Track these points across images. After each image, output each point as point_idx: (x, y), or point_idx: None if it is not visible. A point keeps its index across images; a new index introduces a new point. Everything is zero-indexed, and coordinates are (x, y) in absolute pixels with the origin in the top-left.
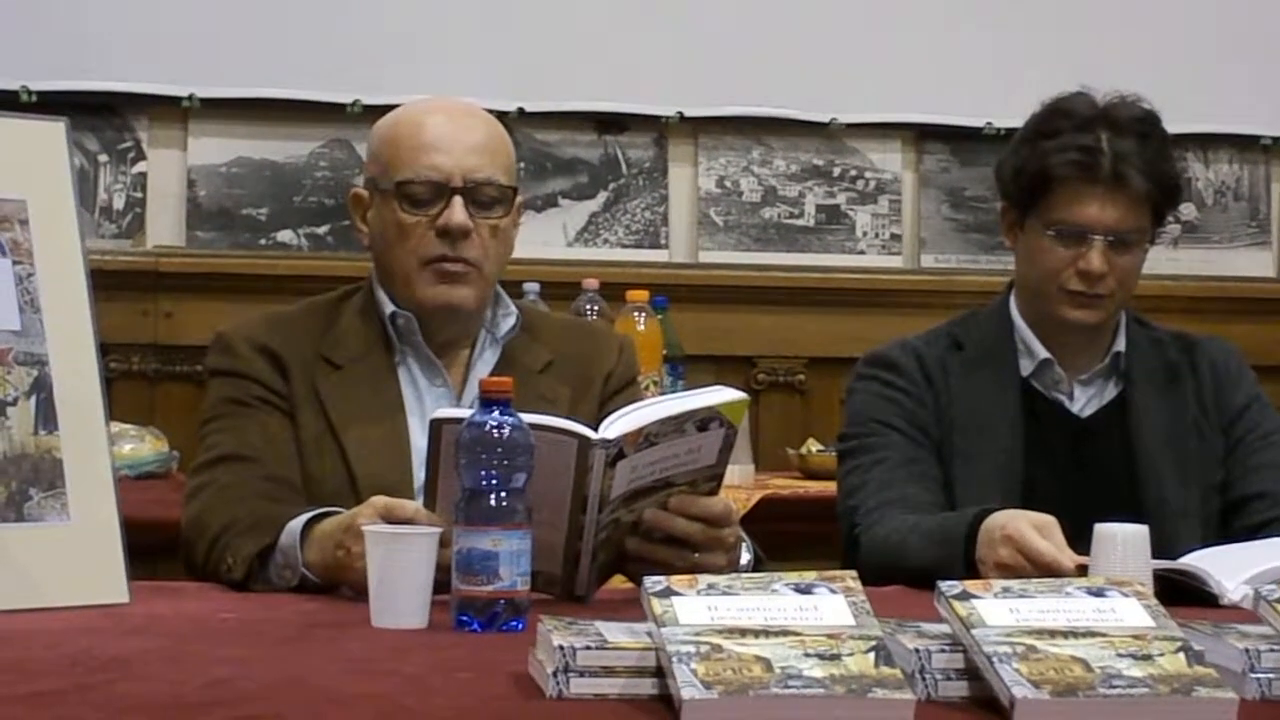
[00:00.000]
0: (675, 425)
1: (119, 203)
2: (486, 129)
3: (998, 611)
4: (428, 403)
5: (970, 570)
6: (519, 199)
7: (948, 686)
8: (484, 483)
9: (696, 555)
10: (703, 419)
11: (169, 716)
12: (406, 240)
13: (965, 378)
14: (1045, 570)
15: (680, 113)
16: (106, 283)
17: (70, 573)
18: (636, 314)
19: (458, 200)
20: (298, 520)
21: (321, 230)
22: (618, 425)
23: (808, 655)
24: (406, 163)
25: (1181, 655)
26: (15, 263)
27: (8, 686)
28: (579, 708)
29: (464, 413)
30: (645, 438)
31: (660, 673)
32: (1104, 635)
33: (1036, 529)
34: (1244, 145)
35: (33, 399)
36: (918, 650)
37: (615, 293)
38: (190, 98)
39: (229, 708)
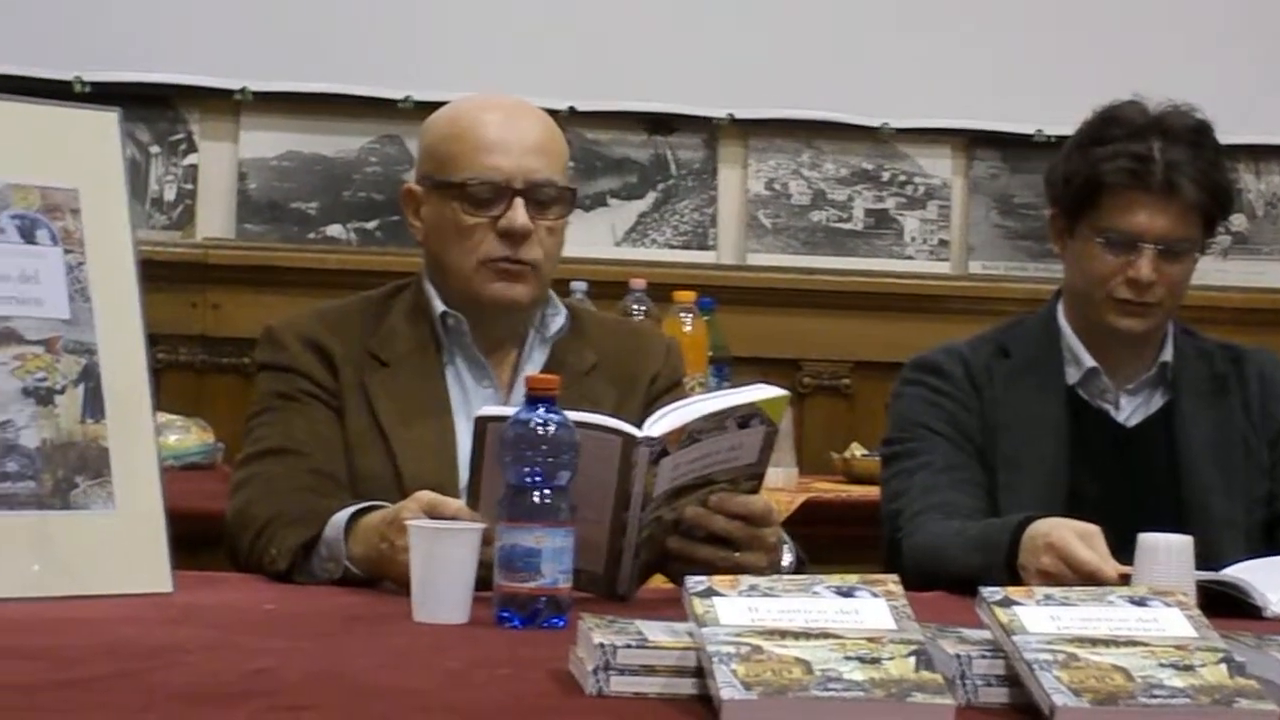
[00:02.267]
0: (716, 422)
1: (169, 194)
2: (544, 129)
3: (1039, 618)
4: (475, 403)
5: (1012, 577)
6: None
7: (988, 692)
8: (528, 480)
9: (737, 554)
10: (743, 416)
11: (209, 705)
12: (466, 240)
13: (1011, 385)
14: (1088, 579)
15: (731, 114)
16: (155, 274)
17: (114, 561)
18: (683, 315)
19: (519, 202)
20: (342, 513)
21: (370, 225)
22: (661, 423)
23: (848, 658)
24: (466, 163)
25: (1223, 666)
26: (66, 251)
27: (50, 673)
28: (619, 706)
29: (509, 410)
30: (687, 435)
31: (700, 672)
32: (1146, 645)
33: (1080, 537)
34: None
35: (81, 387)
36: (958, 655)
37: (662, 293)
38: (242, 91)
39: (269, 698)
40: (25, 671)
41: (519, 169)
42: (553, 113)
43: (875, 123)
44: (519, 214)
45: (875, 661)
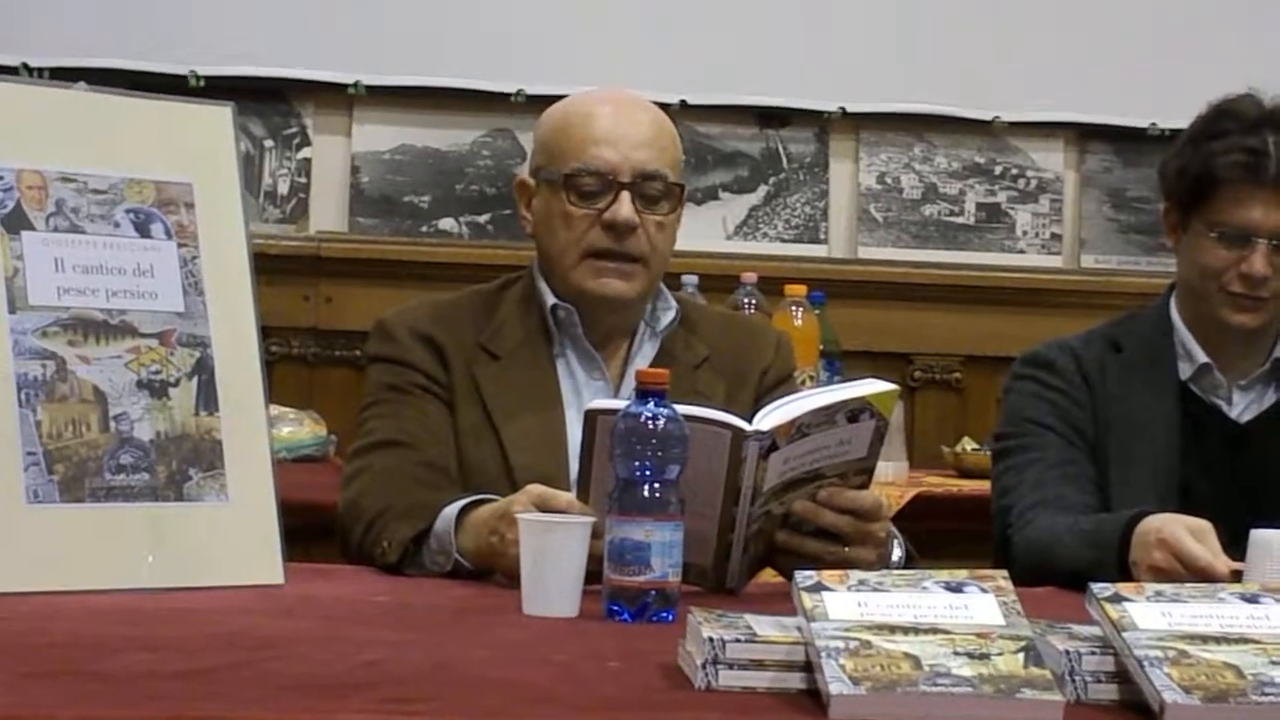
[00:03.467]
0: (826, 416)
1: (283, 188)
2: (655, 123)
3: (1150, 615)
4: (585, 395)
5: (1123, 573)
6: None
7: (1097, 689)
8: (638, 473)
9: (846, 549)
10: (853, 410)
11: (320, 696)
12: (571, 231)
13: (1123, 380)
14: (1199, 575)
15: (842, 108)
16: (268, 267)
17: (227, 553)
18: (794, 309)
19: (625, 195)
20: (453, 506)
21: (482, 219)
22: (771, 417)
23: (957, 654)
24: (574, 154)
25: None
26: (180, 245)
27: (164, 664)
28: (727, 700)
29: (619, 404)
30: (797, 429)
31: (809, 667)
32: (1257, 642)
33: (1191, 533)
34: None
35: (194, 380)
36: (1068, 652)
37: (773, 287)
38: (356, 85)
39: (379, 690)
40: (144, 662)
41: (626, 162)
42: (664, 106)
43: (987, 116)
44: (624, 207)
45: (984, 657)
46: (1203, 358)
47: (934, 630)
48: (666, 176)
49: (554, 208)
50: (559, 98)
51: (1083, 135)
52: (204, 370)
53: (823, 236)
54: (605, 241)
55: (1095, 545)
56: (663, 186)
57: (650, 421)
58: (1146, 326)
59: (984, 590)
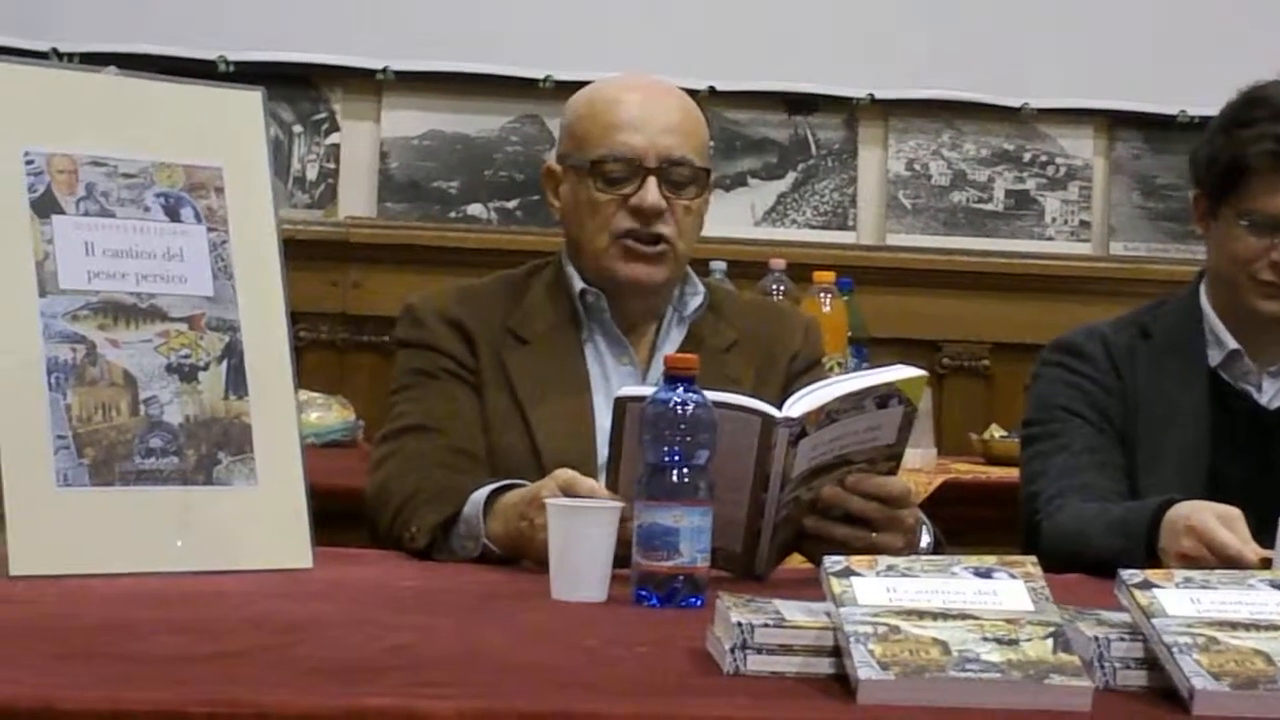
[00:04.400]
0: (855, 402)
1: (312, 173)
2: (682, 109)
3: (1179, 602)
4: (614, 380)
5: (1152, 560)
6: (711, 179)
7: (1126, 675)
8: (667, 459)
9: (874, 535)
10: (882, 396)
11: (349, 680)
12: (598, 216)
13: (1152, 367)
14: (1228, 562)
15: (871, 94)
16: (297, 252)
17: (256, 536)
18: (822, 295)
19: (651, 180)
20: (481, 491)
21: (511, 205)
22: (801, 404)
23: (985, 639)
24: (601, 140)
25: None
26: (210, 229)
27: (193, 646)
28: (756, 685)
29: (648, 390)
30: (826, 415)
31: (837, 652)
32: None
33: (1220, 520)
34: None
35: (224, 364)
36: (1096, 638)
37: (802, 273)
38: (385, 70)
39: (408, 674)
40: (173, 644)
41: (653, 147)
42: (692, 93)
43: (1016, 103)
44: (650, 192)
45: (1013, 643)
46: (1232, 344)
47: (963, 616)
48: (693, 161)
49: (581, 194)
50: (586, 84)
51: (1112, 122)
52: (233, 354)
53: (851, 223)
54: (631, 223)
55: (1124, 532)
56: (689, 171)
57: (679, 407)
58: (1176, 314)
59: (1013, 576)
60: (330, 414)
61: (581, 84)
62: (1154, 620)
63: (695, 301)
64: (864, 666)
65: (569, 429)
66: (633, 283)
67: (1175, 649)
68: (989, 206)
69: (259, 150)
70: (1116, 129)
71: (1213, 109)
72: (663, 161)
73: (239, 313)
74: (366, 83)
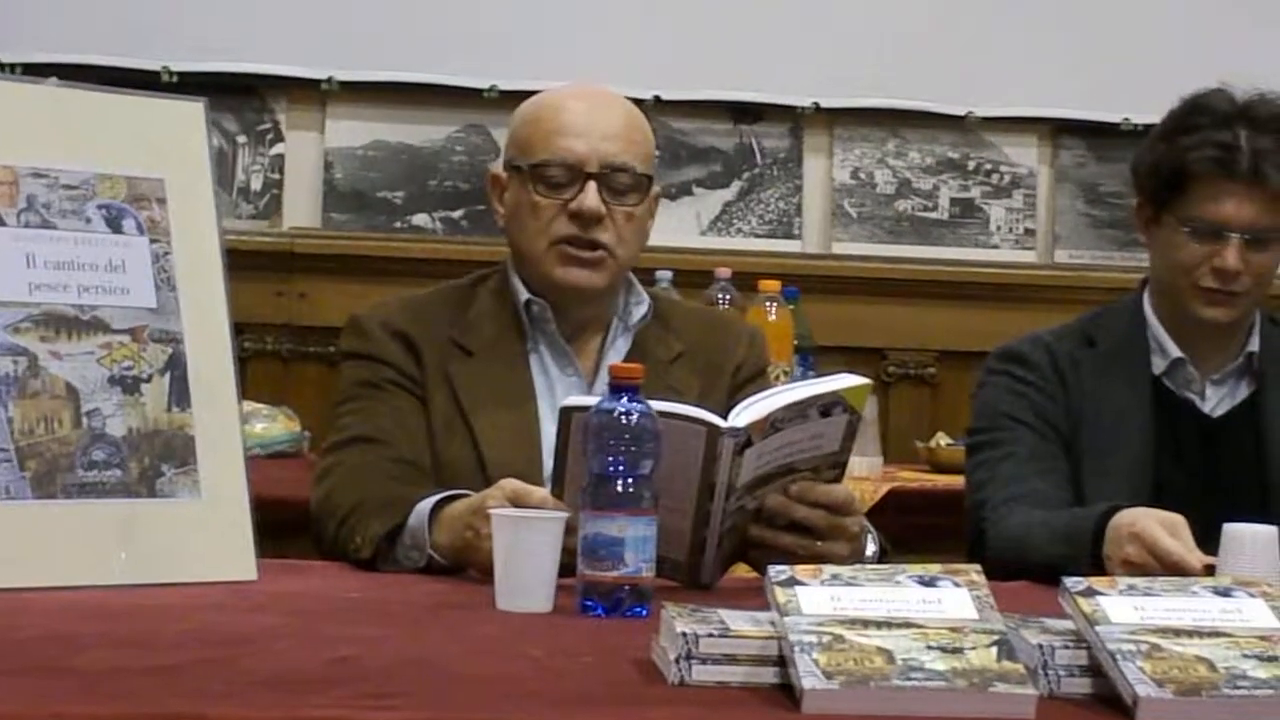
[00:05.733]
0: (799, 410)
1: (256, 184)
2: (625, 116)
3: (1123, 609)
4: (559, 390)
5: (1096, 567)
6: (655, 188)
7: (1070, 683)
8: (611, 468)
9: (819, 543)
10: (826, 404)
11: (293, 692)
12: (538, 221)
13: (1096, 374)
14: (1172, 569)
15: (816, 103)
16: (242, 263)
17: (199, 549)
18: (768, 304)
19: (591, 185)
20: (427, 502)
21: (456, 214)
22: (746, 413)
23: (930, 648)
24: (543, 145)
25: None
26: (152, 241)
27: (135, 659)
28: (701, 695)
29: (593, 400)
30: (771, 424)
31: (782, 661)
32: (1230, 635)
33: (1165, 527)
34: None
35: (167, 376)
36: (1041, 646)
37: (747, 282)
38: (329, 80)
39: (353, 685)
40: (114, 658)
41: (593, 153)
42: (638, 102)
43: (961, 111)
44: (590, 196)
45: (957, 651)
46: (1176, 352)
47: (907, 624)
48: (635, 168)
49: (523, 199)
50: (532, 93)
51: (1056, 130)
52: (176, 366)
53: (797, 232)
54: (570, 228)
55: (1068, 540)
56: (631, 179)
57: (624, 417)
58: (1120, 321)
59: (957, 585)
60: (275, 425)
61: (526, 94)
62: (1098, 628)
63: (640, 311)
64: (809, 676)
65: (514, 439)
66: (571, 288)
67: (1119, 656)
68: (934, 215)
69: (202, 161)
70: (1060, 137)
71: (1156, 117)
72: (604, 167)
73: (182, 324)
74: (311, 93)
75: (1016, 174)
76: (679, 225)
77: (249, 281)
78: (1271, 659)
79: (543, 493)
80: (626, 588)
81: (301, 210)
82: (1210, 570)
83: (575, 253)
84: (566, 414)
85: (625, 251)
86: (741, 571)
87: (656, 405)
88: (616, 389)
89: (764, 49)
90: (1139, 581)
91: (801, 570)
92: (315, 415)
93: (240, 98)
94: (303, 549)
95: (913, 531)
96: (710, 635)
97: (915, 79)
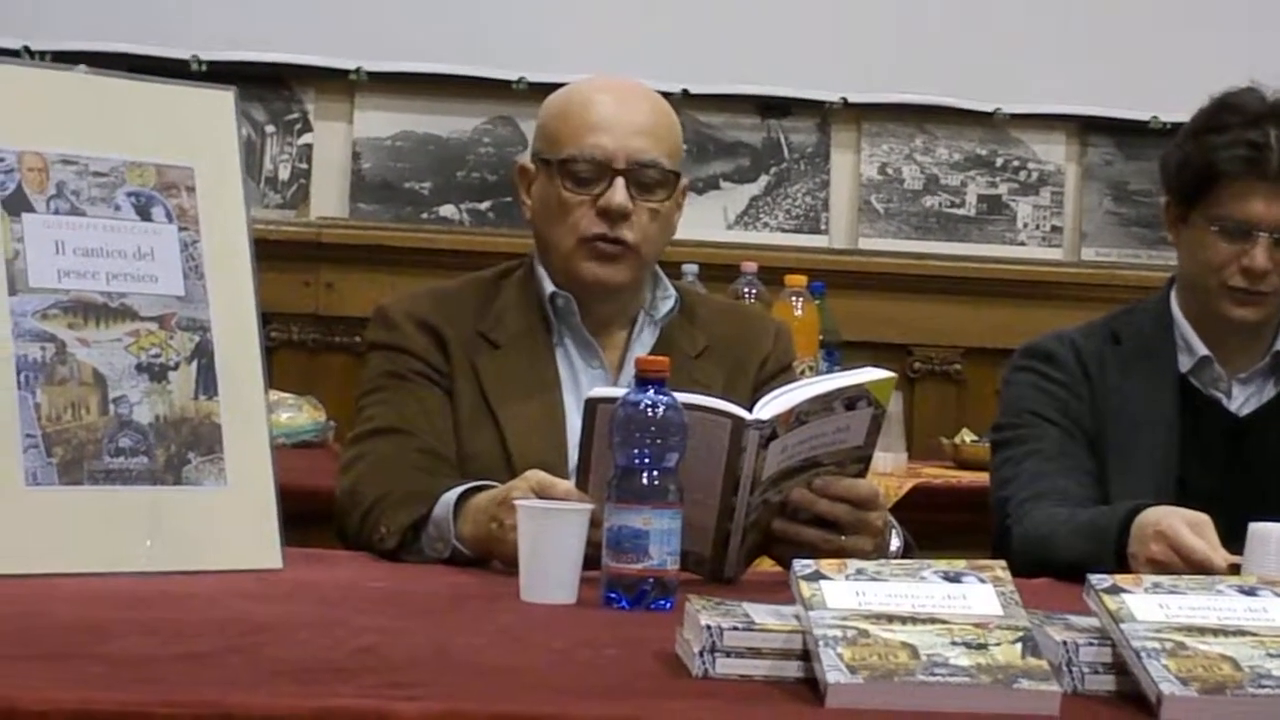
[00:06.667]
0: (824, 404)
1: (284, 173)
2: (654, 111)
3: (1147, 607)
4: (584, 383)
5: (1121, 565)
6: (682, 182)
7: (1094, 680)
8: (637, 461)
9: (843, 538)
10: (850, 397)
11: (317, 681)
12: (566, 217)
13: (1122, 372)
14: (1197, 568)
15: (844, 98)
16: (269, 253)
17: (225, 537)
18: (794, 299)
19: (619, 181)
20: (452, 493)
21: (483, 206)
22: (771, 406)
23: (954, 644)
24: (571, 140)
25: None
26: (181, 229)
27: (161, 646)
28: (724, 688)
29: (619, 392)
30: (796, 417)
31: (806, 656)
32: (1254, 634)
33: (1190, 526)
34: None
35: (194, 364)
36: (1065, 643)
37: (773, 277)
38: (357, 71)
39: (376, 675)
40: (141, 645)
41: (622, 149)
42: (666, 95)
43: (989, 108)
44: (618, 193)
45: (982, 647)
46: (1203, 350)
47: (932, 620)
48: (662, 164)
49: (550, 193)
50: (560, 85)
51: (1084, 128)
52: (204, 354)
53: (823, 227)
54: (598, 226)
55: (1093, 537)
56: (658, 174)
57: (650, 409)
58: (1146, 319)
59: (982, 580)
60: (301, 415)
61: (554, 86)
62: (1122, 625)
63: (666, 305)
64: (833, 670)
65: (539, 431)
66: (595, 283)
67: (1143, 654)
68: (961, 211)
69: (231, 150)
70: (1089, 135)
71: (1184, 115)
72: (632, 163)
73: (210, 312)
74: (339, 83)
75: (1044, 171)
76: (706, 219)
77: (276, 271)
78: None
79: (567, 485)
80: (651, 580)
81: (329, 200)
82: (1235, 569)
83: (600, 249)
84: (592, 406)
85: (650, 247)
86: (765, 565)
87: (682, 397)
88: (643, 381)
89: (793, 43)
90: (1164, 579)
91: (826, 564)
92: (341, 405)
93: (269, 88)
94: (327, 539)
95: (937, 528)
96: (735, 628)
97: (943, 75)
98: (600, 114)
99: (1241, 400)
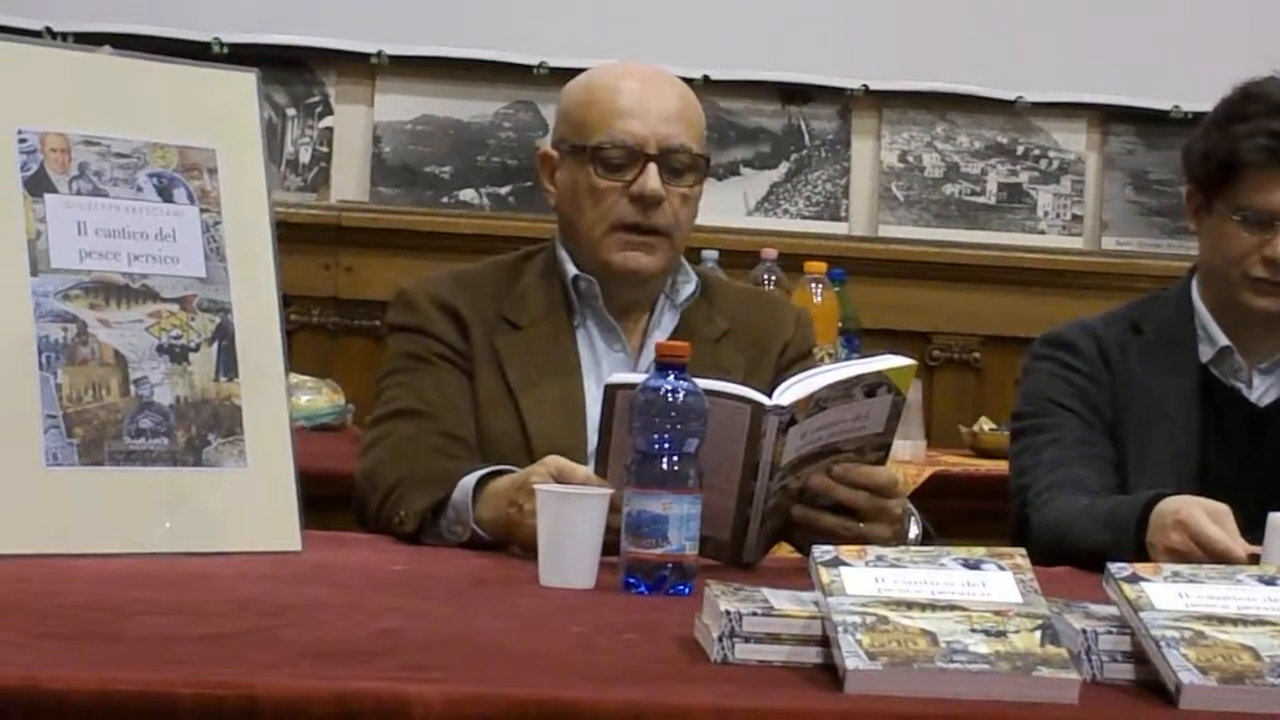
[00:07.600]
0: (843, 390)
1: (305, 156)
2: (681, 97)
3: (1167, 596)
4: (605, 366)
5: (1140, 554)
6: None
7: (1114, 668)
8: (656, 446)
9: (861, 525)
10: (870, 384)
11: (336, 663)
12: (598, 204)
13: (1143, 362)
14: (1216, 557)
15: (865, 85)
16: (289, 235)
17: (245, 519)
18: (814, 285)
19: (652, 167)
20: (471, 476)
21: (504, 190)
22: (791, 392)
23: (974, 631)
24: (601, 127)
25: None
26: (203, 211)
27: (182, 627)
28: (743, 673)
29: (639, 378)
30: (816, 403)
31: (825, 642)
32: (1274, 624)
33: (1209, 516)
34: None
35: (215, 345)
36: (1084, 631)
37: (793, 263)
38: (379, 54)
39: (395, 657)
40: (161, 625)
41: (653, 134)
42: (687, 81)
43: (1010, 96)
44: (651, 179)
45: (1001, 635)
46: (1224, 340)
47: (951, 607)
48: (692, 149)
49: (580, 180)
50: (581, 70)
51: (1106, 117)
52: (224, 336)
53: (844, 214)
54: (632, 214)
55: (1112, 526)
56: (688, 159)
57: (670, 394)
58: (1167, 309)
59: (1002, 568)
60: (320, 397)
61: (576, 71)
62: (1142, 614)
63: (688, 289)
64: (852, 656)
65: (560, 415)
66: (630, 271)
67: (1163, 643)
68: (981, 199)
69: (253, 132)
70: (1110, 123)
71: (1207, 104)
72: (663, 149)
73: (231, 294)
74: (360, 66)
75: (1065, 160)
76: (726, 205)
77: (296, 254)
78: None
79: (586, 471)
80: (670, 565)
81: (349, 184)
82: (1255, 559)
83: (635, 238)
84: (612, 391)
85: (681, 233)
86: (784, 551)
87: (702, 383)
88: (663, 366)
89: (814, 30)
90: (1184, 568)
91: (846, 551)
92: (360, 388)
93: (290, 70)
94: (346, 521)
95: (956, 516)
96: (754, 614)
97: (965, 63)
98: (629, 100)
99: (1262, 390)
